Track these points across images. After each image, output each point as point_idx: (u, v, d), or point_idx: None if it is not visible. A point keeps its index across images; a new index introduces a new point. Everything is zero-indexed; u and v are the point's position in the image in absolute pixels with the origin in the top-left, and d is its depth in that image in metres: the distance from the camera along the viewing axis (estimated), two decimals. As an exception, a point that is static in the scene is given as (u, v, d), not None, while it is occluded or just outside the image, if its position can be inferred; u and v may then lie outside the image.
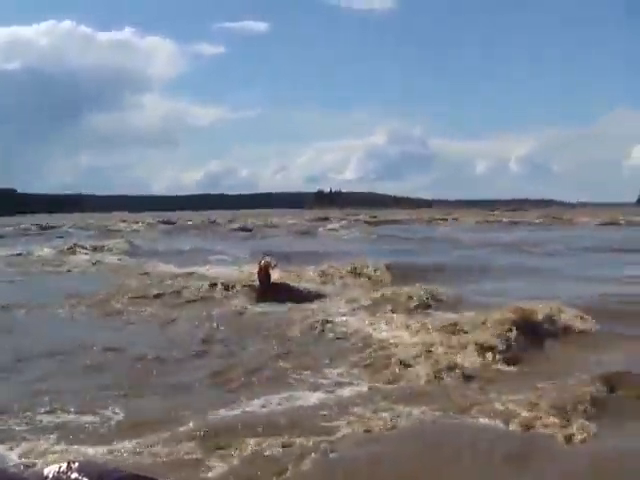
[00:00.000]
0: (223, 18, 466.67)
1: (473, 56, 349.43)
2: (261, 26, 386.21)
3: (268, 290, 16.59)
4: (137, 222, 66.64)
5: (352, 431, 6.84)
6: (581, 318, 11.74)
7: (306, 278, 19.44)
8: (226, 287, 17.52)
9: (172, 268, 23.39)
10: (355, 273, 19.94)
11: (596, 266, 23.05)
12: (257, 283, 17.10)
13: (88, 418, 7.61)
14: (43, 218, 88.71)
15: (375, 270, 19.97)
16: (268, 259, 18.04)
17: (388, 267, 20.22)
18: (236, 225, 62.63)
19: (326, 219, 71.82)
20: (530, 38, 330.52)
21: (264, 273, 16.96)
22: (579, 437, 6.65)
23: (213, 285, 17.86)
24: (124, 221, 68.89)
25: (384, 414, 7.30)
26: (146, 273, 22.10)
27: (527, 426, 6.87)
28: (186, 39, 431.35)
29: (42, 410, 7.87)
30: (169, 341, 12.08)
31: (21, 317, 14.54)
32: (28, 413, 7.76)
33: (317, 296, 16.55)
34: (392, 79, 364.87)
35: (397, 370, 9.23)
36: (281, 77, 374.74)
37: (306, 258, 24.49)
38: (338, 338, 11.75)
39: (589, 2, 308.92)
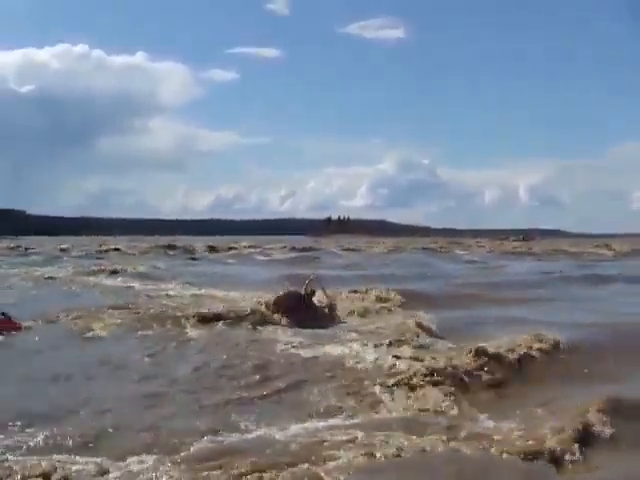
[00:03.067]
0: (235, 44, 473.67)
1: (484, 86, 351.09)
2: (273, 53, 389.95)
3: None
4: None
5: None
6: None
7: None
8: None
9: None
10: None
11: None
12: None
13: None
14: (61, 240, 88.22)
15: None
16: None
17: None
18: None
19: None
20: (542, 69, 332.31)
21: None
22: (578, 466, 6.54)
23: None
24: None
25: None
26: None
27: (526, 454, 6.61)
28: (198, 64, 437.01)
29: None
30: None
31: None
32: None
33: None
34: (402, 108, 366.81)
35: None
36: (292, 103, 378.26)
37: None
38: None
39: (606, 36, 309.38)
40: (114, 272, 31.84)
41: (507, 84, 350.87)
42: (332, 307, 16.78)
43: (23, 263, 40.42)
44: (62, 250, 58.85)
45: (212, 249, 62.72)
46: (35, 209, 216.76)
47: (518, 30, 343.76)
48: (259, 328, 14.84)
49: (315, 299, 16.74)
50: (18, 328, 14.41)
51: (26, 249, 61.49)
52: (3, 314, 14.49)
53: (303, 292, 16.55)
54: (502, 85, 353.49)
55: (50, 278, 28.97)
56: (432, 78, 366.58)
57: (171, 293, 22.53)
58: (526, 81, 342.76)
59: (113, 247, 62.55)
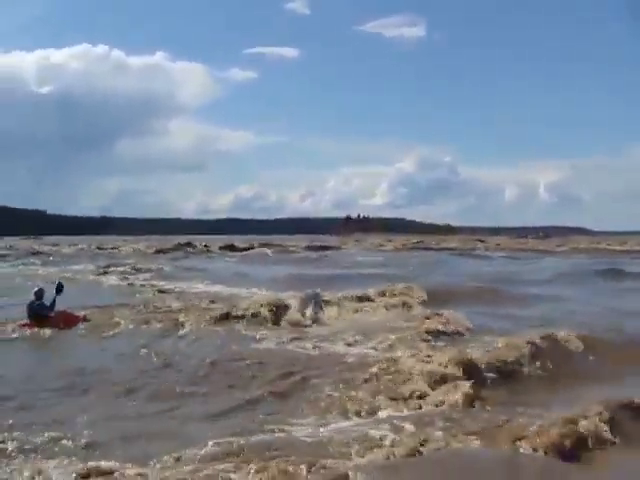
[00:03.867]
0: (255, 43, 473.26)
1: (503, 84, 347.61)
2: (292, 52, 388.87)
3: None
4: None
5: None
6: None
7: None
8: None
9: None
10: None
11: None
12: None
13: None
14: (88, 239, 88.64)
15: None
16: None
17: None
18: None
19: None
20: (561, 67, 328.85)
21: None
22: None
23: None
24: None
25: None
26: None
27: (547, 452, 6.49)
28: (217, 64, 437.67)
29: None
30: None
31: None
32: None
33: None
34: (422, 106, 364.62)
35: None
36: (311, 102, 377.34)
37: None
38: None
39: (624, 36, 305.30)
40: (136, 270, 32.13)
41: (526, 83, 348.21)
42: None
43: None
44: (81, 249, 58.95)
45: (230, 248, 62.04)
46: (55, 209, 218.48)
47: (537, 29, 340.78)
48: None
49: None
50: (84, 319, 14.69)
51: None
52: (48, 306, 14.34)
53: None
54: (521, 84, 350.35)
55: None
56: (451, 76, 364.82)
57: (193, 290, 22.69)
58: (546, 80, 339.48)
59: (134, 246, 62.41)
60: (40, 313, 14.08)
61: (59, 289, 14.77)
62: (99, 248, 62.34)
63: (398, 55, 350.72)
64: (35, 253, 52.09)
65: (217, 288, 23.36)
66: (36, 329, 13.65)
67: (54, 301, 14.37)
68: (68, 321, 14.28)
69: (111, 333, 13.74)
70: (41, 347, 12.96)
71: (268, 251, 58.49)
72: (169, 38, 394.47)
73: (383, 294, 19.15)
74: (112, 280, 27.54)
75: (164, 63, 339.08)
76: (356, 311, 17.28)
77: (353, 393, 8.85)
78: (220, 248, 61.82)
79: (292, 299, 16.58)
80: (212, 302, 18.13)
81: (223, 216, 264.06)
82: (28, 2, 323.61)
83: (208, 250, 60.20)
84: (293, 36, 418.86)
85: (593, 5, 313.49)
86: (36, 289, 14.65)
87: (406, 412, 8.12)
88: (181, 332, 13.92)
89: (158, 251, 56.62)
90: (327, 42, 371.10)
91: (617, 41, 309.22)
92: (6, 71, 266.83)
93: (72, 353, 12.37)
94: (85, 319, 14.73)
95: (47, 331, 13.55)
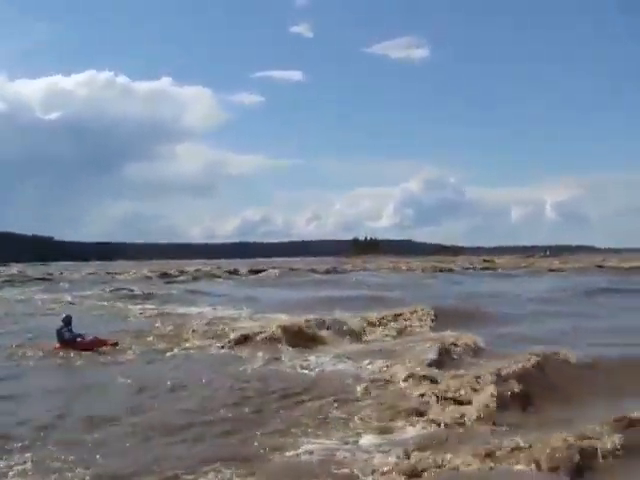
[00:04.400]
0: (260, 67, 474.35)
1: (508, 103, 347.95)
2: (298, 75, 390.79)
3: None
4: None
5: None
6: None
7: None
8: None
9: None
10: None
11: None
12: None
13: None
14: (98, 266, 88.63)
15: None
16: None
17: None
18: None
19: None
20: (565, 84, 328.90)
21: None
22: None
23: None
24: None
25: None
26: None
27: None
28: (224, 88, 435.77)
29: None
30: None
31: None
32: None
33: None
34: (428, 127, 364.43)
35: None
36: (317, 125, 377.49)
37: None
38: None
39: (629, 53, 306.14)
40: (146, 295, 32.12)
41: (532, 101, 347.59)
42: None
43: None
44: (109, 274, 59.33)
45: (236, 272, 61.82)
46: (63, 235, 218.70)
47: (541, 47, 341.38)
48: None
49: None
50: (114, 344, 15.15)
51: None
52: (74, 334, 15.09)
53: None
54: (527, 102, 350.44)
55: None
56: (456, 97, 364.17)
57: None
58: (550, 98, 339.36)
59: (143, 272, 62.45)
60: (67, 339, 15.02)
61: (67, 322, 15.44)
62: (108, 274, 62.10)
63: (403, 76, 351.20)
64: (43, 279, 52.19)
65: (231, 312, 23.12)
66: (70, 353, 14.53)
67: (70, 331, 15.20)
68: (95, 345, 14.91)
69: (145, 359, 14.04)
70: (72, 370, 13.40)
71: (276, 273, 58.34)
72: (174, 63, 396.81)
73: (395, 317, 19.14)
74: (125, 306, 27.32)
75: (170, 88, 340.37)
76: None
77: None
78: (229, 272, 61.64)
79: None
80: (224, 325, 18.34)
81: (230, 240, 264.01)
82: (31, 30, 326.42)
83: (216, 274, 59.94)
84: (299, 59, 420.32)
85: (598, 20, 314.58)
86: (64, 316, 15.73)
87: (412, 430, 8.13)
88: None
89: (165, 275, 56.78)
90: (332, 65, 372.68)
91: (627, 56, 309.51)
92: (12, 98, 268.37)
93: (133, 374, 12.34)
94: (114, 344, 15.18)
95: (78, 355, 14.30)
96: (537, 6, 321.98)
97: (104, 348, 14.94)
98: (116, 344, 15.26)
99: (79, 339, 15.13)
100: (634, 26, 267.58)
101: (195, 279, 53.41)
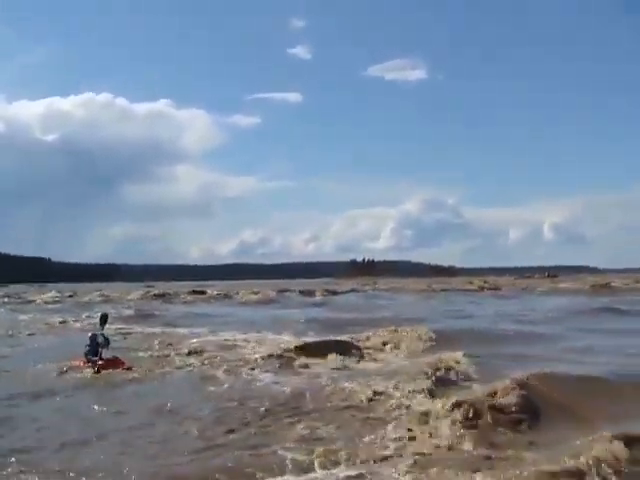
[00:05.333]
0: (258, 89, 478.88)
1: (505, 124, 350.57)
2: (295, 97, 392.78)
3: None
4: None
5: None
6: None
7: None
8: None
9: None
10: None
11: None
12: None
13: None
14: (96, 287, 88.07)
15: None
16: None
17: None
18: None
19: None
20: (563, 105, 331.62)
21: None
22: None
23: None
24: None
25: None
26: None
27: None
28: (221, 110, 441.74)
29: None
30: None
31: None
32: None
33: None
34: (425, 148, 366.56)
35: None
36: (315, 146, 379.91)
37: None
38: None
39: (629, 72, 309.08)
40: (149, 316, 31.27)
41: (529, 122, 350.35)
42: None
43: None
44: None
45: (234, 293, 61.45)
46: (60, 257, 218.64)
47: (539, 67, 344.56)
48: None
49: None
50: (128, 368, 14.78)
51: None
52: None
53: None
54: (524, 123, 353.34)
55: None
56: (453, 117, 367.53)
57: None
58: (547, 118, 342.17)
59: (140, 292, 62.24)
60: (99, 348, 14.86)
61: (104, 320, 15.72)
62: (104, 295, 61.70)
63: (400, 97, 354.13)
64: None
65: (230, 334, 22.96)
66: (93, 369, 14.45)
67: (96, 349, 14.98)
68: (112, 365, 14.72)
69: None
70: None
71: (274, 295, 58.05)
72: (172, 85, 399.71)
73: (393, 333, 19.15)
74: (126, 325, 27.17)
75: (168, 110, 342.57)
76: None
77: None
78: (226, 293, 61.39)
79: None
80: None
81: (228, 261, 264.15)
82: (30, 52, 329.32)
83: (214, 296, 59.68)
84: (296, 81, 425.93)
85: (598, 38, 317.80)
86: (101, 313, 16.04)
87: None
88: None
89: (160, 296, 56.69)
90: (329, 86, 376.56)
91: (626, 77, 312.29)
92: (11, 120, 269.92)
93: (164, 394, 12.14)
94: (129, 368, 14.88)
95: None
96: (536, 25, 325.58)
97: (119, 370, 14.77)
98: (130, 368, 15.00)
99: (101, 355, 14.98)
100: (630, 44, 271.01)
101: (192, 301, 53.16)
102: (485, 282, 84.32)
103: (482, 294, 58.30)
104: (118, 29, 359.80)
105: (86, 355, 15.19)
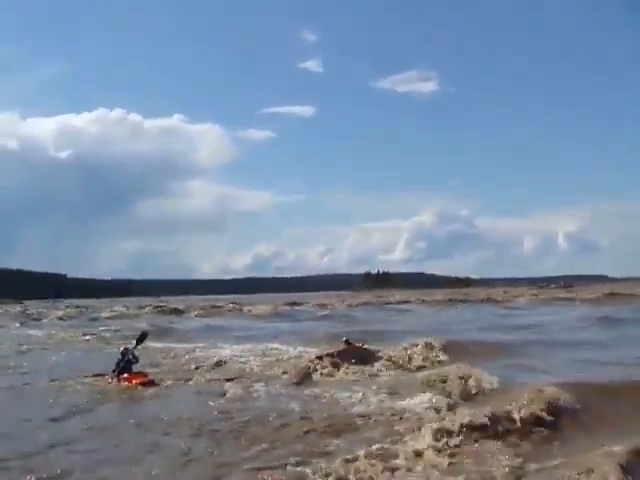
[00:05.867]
0: (270, 103, 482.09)
1: (517, 134, 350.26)
2: (308, 110, 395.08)
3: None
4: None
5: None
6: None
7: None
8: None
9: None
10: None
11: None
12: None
13: None
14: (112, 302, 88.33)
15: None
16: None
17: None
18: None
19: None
20: (574, 115, 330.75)
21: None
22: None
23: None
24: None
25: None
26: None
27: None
28: (234, 124, 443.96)
29: None
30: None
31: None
32: None
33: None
34: (437, 160, 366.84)
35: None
36: (328, 159, 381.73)
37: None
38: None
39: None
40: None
41: (541, 132, 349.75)
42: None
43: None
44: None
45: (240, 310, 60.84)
46: (75, 272, 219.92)
47: (550, 79, 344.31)
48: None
49: None
50: (154, 383, 14.97)
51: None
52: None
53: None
54: (536, 134, 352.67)
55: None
56: (465, 129, 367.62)
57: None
58: (559, 129, 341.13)
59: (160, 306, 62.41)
60: (130, 364, 15.41)
61: (142, 338, 16.33)
62: (116, 311, 61.51)
63: (412, 110, 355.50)
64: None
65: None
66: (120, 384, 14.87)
67: (126, 363, 15.47)
68: (139, 379, 14.98)
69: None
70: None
71: (289, 309, 57.82)
72: (185, 100, 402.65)
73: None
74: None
75: (181, 125, 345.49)
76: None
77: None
78: (240, 307, 61.17)
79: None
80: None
81: (243, 275, 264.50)
82: (43, 70, 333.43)
83: (229, 310, 59.49)
84: (308, 94, 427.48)
85: (607, 52, 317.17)
86: (142, 331, 16.94)
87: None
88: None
89: (175, 311, 56.90)
90: (342, 99, 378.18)
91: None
92: (25, 137, 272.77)
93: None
94: (155, 383, 15.08)
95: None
96: (549, 38, 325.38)
97: (144, 385, 14.91)
98: (155, 383, 15.15)
99: (130, 370, 15.36)
100: (634, 60, 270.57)
101: (206, 315, 52.97)
102: (505, 292, 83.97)
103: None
104: (131, 46, 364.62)
105: (115, 370, 15.46)
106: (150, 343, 25.82)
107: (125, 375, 15.15)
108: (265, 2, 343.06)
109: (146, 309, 60.67)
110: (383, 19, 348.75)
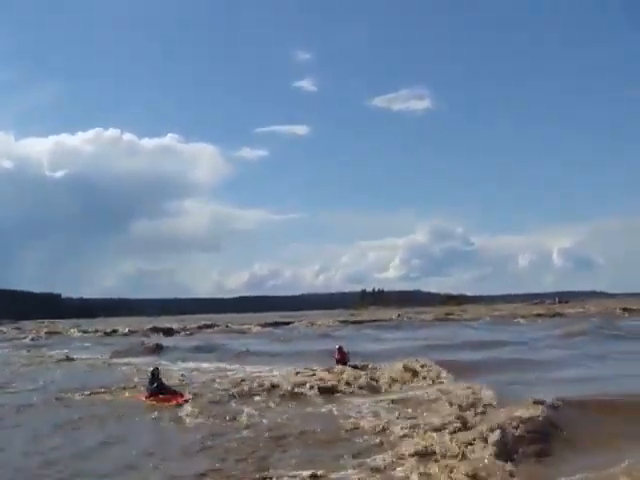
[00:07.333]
0: (265, 122, 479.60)
1: (512, 151, 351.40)
2: (302, 129, 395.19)
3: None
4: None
5: None
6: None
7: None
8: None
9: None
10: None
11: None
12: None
13: None
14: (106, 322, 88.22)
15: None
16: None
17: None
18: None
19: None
20: (571, 130, 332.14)
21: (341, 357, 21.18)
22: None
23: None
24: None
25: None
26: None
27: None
28: (228, 144, 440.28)
29: None
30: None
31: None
32: None
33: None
34: (432, 177, 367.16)
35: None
36: (323, 178, 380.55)
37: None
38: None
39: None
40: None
41: (534, 150, 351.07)
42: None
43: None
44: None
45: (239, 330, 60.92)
46: (70, 292, 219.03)
47: (544, 98, 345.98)
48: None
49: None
50: (185, 400, 15.74)
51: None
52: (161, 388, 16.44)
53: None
54: (529, 151, 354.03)
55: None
56: (460, 146, 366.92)
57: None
58: (555, 145, 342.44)
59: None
60: (153, 390, 16.34)
61: (154, 375, 16.74)
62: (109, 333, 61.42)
63: (407, 128, 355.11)
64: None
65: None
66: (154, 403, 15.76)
67: (157, 384, 16.46)
68: (173, 398, 15.82)
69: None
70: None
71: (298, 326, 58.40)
72: (179, 120, 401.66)
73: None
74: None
75: (175, 144, 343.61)
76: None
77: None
78: (238, 327, 61.44)
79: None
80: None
81: (238, 294, 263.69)
82: (37, 90, 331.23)
83: (228, 329, 59.74)
84: (302, 113, 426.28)
85: (604, 66, 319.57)
86: (152, 368, 17.19)
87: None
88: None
89: (169, 331, 57.30)
90: (336, 118, 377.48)
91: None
92: (19, 157, 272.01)
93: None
94: (186, 400, 15.81)
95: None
96: (541, 56, 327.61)
97: (178, 401, 15.70)
98: (187, 400, 15.80)
99: (163, 390, 16.35)
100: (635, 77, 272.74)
101: (204, 334, 53.31)
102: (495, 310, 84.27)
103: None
104: (125, 65, 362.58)
105: (149, 389, 16.48)
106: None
107: (157, 393, 16.13)
108: (259, 21, 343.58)
109: (145, 328, 60.78)
110: (377, 37, 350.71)
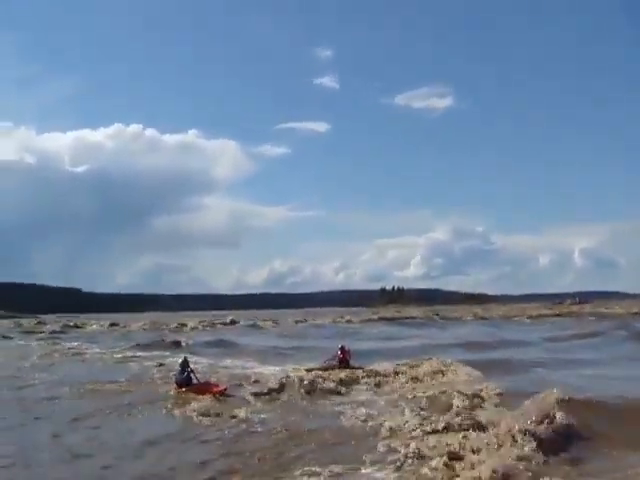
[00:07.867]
0: (286, 119, 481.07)
1: (535, 150, 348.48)
2: (323, 126, 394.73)
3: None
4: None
5: None
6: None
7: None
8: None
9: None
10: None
11: None
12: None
13: None
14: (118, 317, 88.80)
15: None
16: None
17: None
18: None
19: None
20: (592, 130, 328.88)
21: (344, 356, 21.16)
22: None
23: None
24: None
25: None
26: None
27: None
28: (250, 140, 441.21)
29: None
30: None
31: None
32: None
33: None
34: (453, 176, 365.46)
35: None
36: (343, 175, 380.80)
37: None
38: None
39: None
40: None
41: (557, 148, 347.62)
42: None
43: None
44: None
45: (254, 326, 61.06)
46: (91, 287, 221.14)
47: (566, 95, 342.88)
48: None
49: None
50: (224, 390, 15.73)
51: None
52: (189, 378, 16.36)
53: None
54: (553, 149, 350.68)
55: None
56: (481, 145, 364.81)
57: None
58: (576, 144, 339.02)
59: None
60: (182, 380, 16.35)
61: (184, 365, 16.64)
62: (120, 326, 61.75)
63: (428, 125, 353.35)
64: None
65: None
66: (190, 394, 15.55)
67: (188, 374, 16.37)
68: (207, 390, 15.61)
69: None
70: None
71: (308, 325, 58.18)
72: (201, 116, 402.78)
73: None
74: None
75: (197, 141, 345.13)
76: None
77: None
78: (254, 323, 61.44)
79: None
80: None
81: (258, 291, 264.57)
82: (59, 85, 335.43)
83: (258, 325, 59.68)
84: (323, 110, 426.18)
85: (620, 68, 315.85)
86: (180, 360, 17.03)
87: None
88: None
89: (185, 326, 57.34)
90: (357, 115, 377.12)
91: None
92: (41, 152, 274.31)
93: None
94: (223, 390, 15.75)
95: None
96: (564, 54, 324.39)
97: (214, 393, 15.45)
98: (225, 389, 15.72)
99: (194, 381, 16.19)
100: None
101: (225, 330, 53.24)
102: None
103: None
104: (147, 61, 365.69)
105: (177, 381, 16.42)
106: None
107: (195, 386, 15.91)
108: (280, 18, 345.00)
109: (170, 323, 61.11)
110: (398, 34, 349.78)
